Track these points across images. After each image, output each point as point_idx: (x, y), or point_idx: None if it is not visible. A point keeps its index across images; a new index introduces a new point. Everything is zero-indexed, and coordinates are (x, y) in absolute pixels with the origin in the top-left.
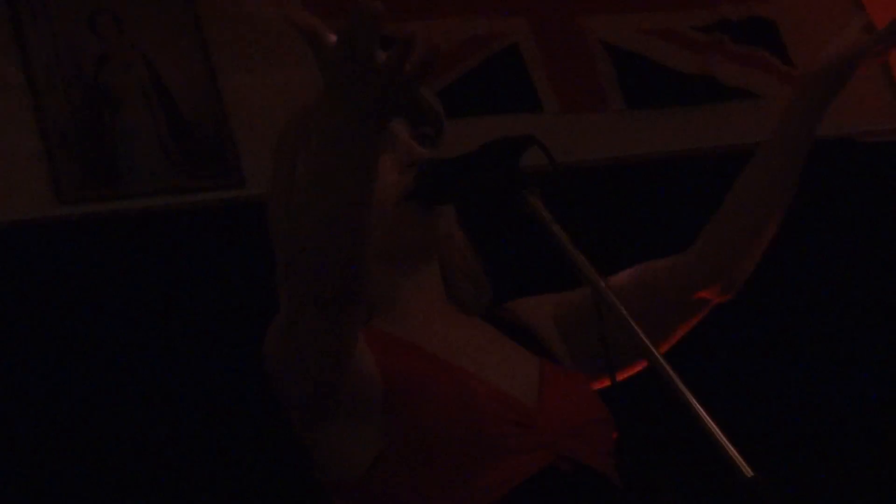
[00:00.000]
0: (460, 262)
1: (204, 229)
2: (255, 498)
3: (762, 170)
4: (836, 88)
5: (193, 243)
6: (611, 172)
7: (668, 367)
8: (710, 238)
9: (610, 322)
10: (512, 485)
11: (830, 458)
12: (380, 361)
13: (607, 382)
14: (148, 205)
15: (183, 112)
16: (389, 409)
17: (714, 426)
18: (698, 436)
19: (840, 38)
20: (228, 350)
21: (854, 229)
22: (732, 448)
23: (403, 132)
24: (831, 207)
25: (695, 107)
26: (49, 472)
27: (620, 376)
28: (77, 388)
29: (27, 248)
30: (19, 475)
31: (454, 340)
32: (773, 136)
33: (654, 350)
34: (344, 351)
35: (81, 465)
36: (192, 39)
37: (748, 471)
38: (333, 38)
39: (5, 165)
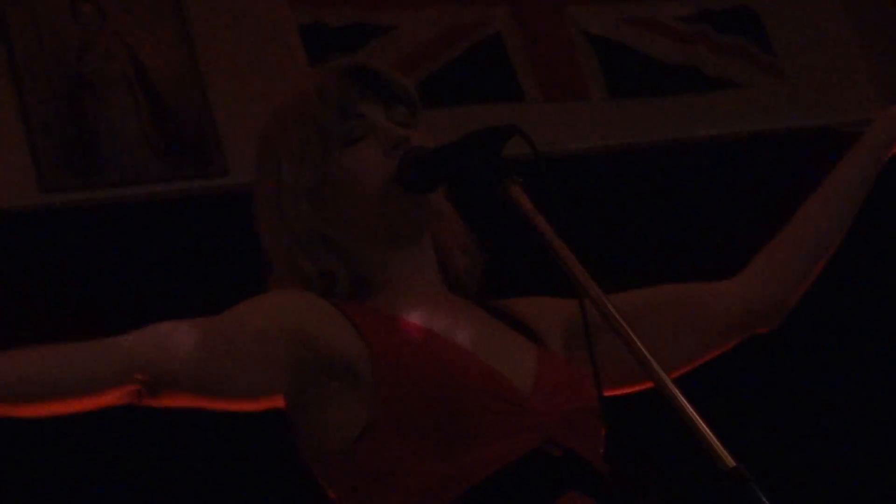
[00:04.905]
0: (450, 236)
1: (187, 218)
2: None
3: (831, 200)
4: None
5: (176, 232)
6: (593, 162)
7: (653, 363)
8: (770, 264)
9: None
10: (499, 465)
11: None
12: (371, 335)
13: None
14: (130, 193)
15: (165, 100)
16: (379, 381)
17: (698, 418)
18: (683, 426)
19: None
20: None
21: None
22: (715, 439)
23: (380, 116)
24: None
25: (677, 96)
26: (21, 463)
27: (618, 390)
28: None
29: (9, 237)
30: None
31: (452, 320)
32: (844, 166)
33: (637, 342)
34: None
35: (59, 455)
36: (175, 28)
37: (730, 461)
38: None
39: None
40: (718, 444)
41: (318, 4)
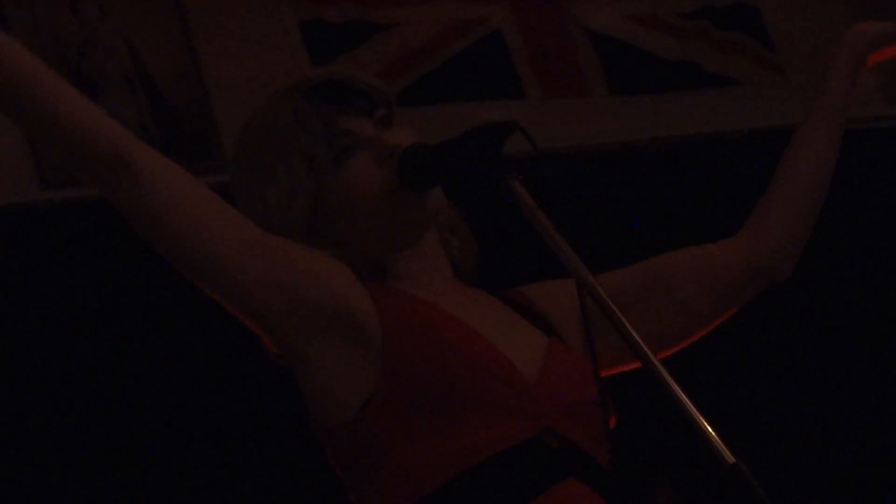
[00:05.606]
0: (444, 220)
1: None
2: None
3: (813, 137)
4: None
5: None
6: (593, 159)
7: (651, 356)
8: (765, 214)
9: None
10: (495, 449)
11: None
12: (383, 302)
13: (622, 369)
14: None
15: (166, 98)
16: (386, 348)
17: (698, 415)
18: (683, 424)
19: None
20: (213, 334)
21: (836, 214)
22: (715, 435)
23: (365, 125)
24: None
25: (678, 93)
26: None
27: (617, 369)
28: (59, 374)
29: (10, 233)
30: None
31: (461, 303)
32: (816, 106)
33: (635, 336)
34: None
35: (59, 452)
36: (175, 25)
37: (730, 457)
38: None
39: None
40: (718, 440)
41: (319, 1)
